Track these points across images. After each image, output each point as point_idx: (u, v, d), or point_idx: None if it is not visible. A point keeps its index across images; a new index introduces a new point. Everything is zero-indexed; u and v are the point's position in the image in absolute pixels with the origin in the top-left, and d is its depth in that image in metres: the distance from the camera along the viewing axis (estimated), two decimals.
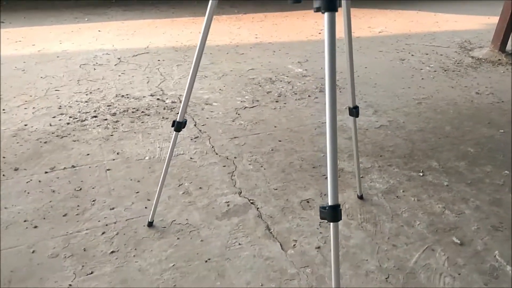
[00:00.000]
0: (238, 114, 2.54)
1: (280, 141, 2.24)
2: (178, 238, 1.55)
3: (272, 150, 2.16)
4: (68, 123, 2.36)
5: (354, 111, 1.53)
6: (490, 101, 2.83)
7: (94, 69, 3.22)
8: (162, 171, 1.53)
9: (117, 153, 2.08)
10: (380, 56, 3.77)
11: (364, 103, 2.74)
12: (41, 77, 3.02)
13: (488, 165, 2.07)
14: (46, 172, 1.91)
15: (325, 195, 1.81)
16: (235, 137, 2.27)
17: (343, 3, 1.27)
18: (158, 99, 2.72)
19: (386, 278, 1.39)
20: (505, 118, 2.58)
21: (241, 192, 1.82)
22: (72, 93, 2.77)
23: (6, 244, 1.50)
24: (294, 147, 2.18)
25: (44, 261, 1.43)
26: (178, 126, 1.42)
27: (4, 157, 2.02)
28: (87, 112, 2.50)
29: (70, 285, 1.34)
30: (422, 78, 3.23)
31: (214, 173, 1.94)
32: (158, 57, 3.55)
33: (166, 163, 1.51)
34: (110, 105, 2.60)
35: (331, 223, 1.01)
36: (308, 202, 1.77)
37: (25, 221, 1.61)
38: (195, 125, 2.39)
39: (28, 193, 1.77)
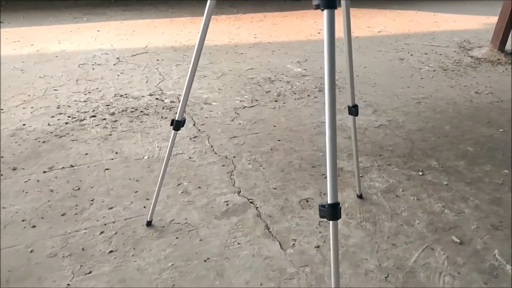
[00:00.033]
0: (237, 114, 2.53)
1: (279, 140, 2.24)
2: (177, 238, 1.54)
3: (271, 149, 2.15)
4: (66, 123, 2.36)
5: (353, 110, 1.52)
6: (490, 100, 2.83)
7: (93, 69, 3.22)
8: (161, 171, 1.53)
9: (116, 153, 2.08)
10: (379, 56, 3.76)
11: (364, 103, 2.73)
12: (40, 77, 3.01)
13: (488, 164, 2.06)
14: (44, 172, 1.91)
15: (324, 194, 1.80)
16: (234, 137, 2.27)
17: (343, 3, 1.27)
18: (157, 98, 2.71)
19: (385, 277, 1.39)
20: (504, 117, 2.58)
21: (240, 192, 1.81)
22: (71, 92, 2.76)
23: (4, 244, 1.49)
24: (293, 147, 2.18)
25: (42, 261, 1.42)
26: (177, 125, 1.41)
27: (2, 157, 2.01)
28: (85, 112, 2.49)
29: (68, 284, 1.34)
30: (422, 78, 3.23)
31: (213, 173, 1.94)
32: (157, 56, 3.55)
33: (164, 162, 1.50)
34: (108, 105, 2.59)
35: (331, 222, 1.00)
36: (307, 201, 1.76)
37: (23, 220, 1.61)
38: (194, 124, 2.39)
39: (26, 192, 1.77)
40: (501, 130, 2.41)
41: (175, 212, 1.68)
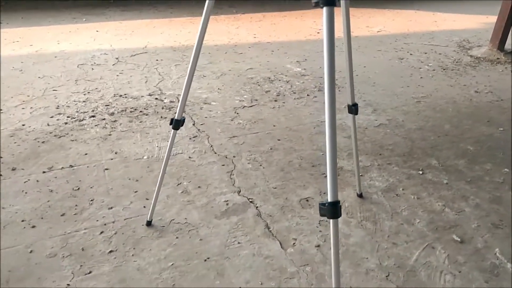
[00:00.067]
0: (237, 113, 2.53)
1: (279, 140, 2.24)
2: (177, 237, 1.54)
3: (271, 149, 2.15)
4: (66, 123, 2.35)
5: (353, 109, 1.52)
6: (489, 99, 2.83)
7: (92, 69, 3.21)
8: (161, 170, 1.53)
9: (115, 153, 2.07)
10: (379, 56, 3.76)
11: (363, 102, 2.73)
12: (39, 77, 3.00)
13: (488, 163, 2.06)
14: (44, 172, 1.90)
15: (324, 193, 1.80)
16: (234, 136, 2.26)
17: (342, 3, 1.26)
18: (156, 98, 2.71)
19: (386, 276, 1.39)
20: (504, 116, 2.57)
21: (240, 191, 1.81)
22: (70, 93, 2.76)
23: (4, 244, 1.49)
24: (293, 146, 2.17)
25: (42, 261, 1.42)
26: (176, 124, 1.41)
27: (1, 157, 2.01)
28: (85, 112, 2.49)
29: (68, 284, 1.33)
30: (421, 77, 3.23)
31: (213, 172, 1.94)
32: (156, 56, 3.54)
33: (164, 161, 1.50)
34: (108, 105, 2.59)
35: (331, 220, 1.00)
36: (307, 200, 1.76)
37: (23, 221, 1.60)
38: (193, 124, 2.39)
39: (26, 193, 1.76)
40: (501, 129, 2.41)
41: (175, 211, 1.67)
